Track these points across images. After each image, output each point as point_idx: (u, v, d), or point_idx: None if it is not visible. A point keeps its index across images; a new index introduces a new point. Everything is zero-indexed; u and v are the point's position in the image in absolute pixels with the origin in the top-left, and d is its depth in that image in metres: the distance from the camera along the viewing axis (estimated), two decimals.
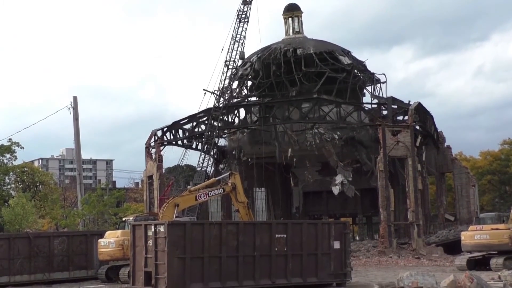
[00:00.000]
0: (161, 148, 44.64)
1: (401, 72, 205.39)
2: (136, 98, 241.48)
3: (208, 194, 26.33)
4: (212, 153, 47.46)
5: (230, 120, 46.57)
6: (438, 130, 50.02)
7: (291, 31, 50.92)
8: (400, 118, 43.46)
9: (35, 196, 48.82)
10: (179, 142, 46.40)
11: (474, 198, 48.18)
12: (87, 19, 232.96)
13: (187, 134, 45.81)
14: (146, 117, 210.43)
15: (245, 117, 47.21)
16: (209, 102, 44.64)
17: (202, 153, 44.07)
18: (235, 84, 49.54)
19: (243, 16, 44.65)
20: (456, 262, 29.67)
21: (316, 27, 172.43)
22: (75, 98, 51.52)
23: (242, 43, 44.43)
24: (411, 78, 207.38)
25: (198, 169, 43.97)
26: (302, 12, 51.65)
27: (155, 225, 19.99)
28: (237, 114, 46.99)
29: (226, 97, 44.85)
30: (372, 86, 48.84)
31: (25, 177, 51.29)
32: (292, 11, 51.16)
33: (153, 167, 44.15)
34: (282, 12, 51.68)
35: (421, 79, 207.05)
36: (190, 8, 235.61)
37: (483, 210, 53.38)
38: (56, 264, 28.33)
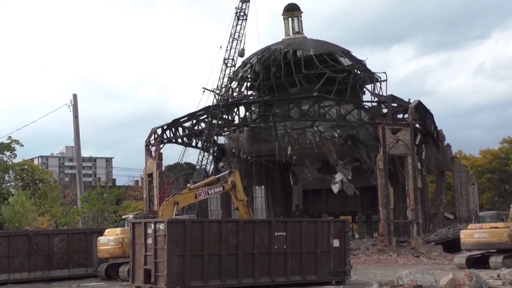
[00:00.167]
0: (161, 146, 44.63)
1: (401, 70, 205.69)
2: (136, 96, 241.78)
3: (207, 192, 26.35)
4: (211, 151, 47.47)
5: (230, 118, 46.55)
6: (438, 129, 50.01)
7: (290, 31, 50.83)
8: (400, 116, 43.43)
9: (35, 194, 48.82)
10: (179, 140, 46.38)
11: (473, 196, 48.18)
12: (87, 17, 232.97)
13: (187, 132, 45.81)
14: (146, 115, 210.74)
15: (245, 115, 47.22)
16: (208, 100, 44.72)
17: (201, 151, 44.08)
18: (234, 84, 49.59)
19: (241, 13, 44.66)
20: (455, 260, 29.67)
21: (317, 25, 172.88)
22: (75, 96, 51.56)
23: (241, 41, 44.44)
24: (411, 76, 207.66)
25: (198, 167, 43.99)
26: (302, 12, 51.52)
27: (155, 223, 20.01)
28: (237, 112, 47.00)
29: (225, 95, 44.85)
30: (372, 85, 48.88)
31: (24, 175, 51.28)
32: (292, 11, 51.04)
33: (153, 165, 44.15)
34: (281, 12, 51.60)
35: (421, 77, 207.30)
36: (190, 6, 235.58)
37: (482, 209, 53.40)
38: (55, 261, 28.36)
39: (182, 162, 49.38)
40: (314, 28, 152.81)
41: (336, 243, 22.28)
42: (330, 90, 46.33)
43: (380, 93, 47.85)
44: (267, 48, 49.19)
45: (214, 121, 44.01)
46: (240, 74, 49.32)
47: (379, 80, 48.73)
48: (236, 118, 47.15)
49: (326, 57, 46.97)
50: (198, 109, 44.77)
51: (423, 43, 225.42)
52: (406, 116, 42.29)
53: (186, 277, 19.39)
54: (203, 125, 44.85)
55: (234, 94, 49.53)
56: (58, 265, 28.40)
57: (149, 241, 19.91)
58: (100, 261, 28.06)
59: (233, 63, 44.52)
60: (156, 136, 44.85)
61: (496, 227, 28.01)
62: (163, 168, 46.48)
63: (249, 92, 51.14)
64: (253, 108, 46.77)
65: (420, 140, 43.58)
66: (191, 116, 45.25)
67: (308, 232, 21.87)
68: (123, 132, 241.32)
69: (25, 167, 52.28)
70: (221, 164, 50.54)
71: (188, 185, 33.57)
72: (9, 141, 48.49)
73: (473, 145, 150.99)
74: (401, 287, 15.64)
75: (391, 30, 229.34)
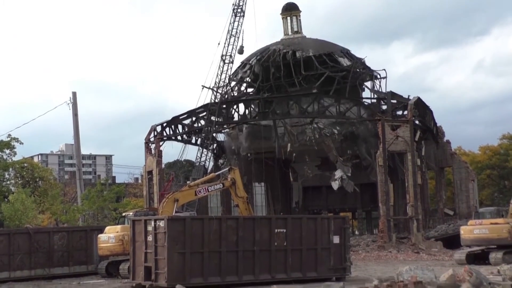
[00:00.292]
0: (161, 143, 44.64)
1: (401, 67, 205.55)
2: (136, 94, 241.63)
3: (207, 189, 26.35)
4: (211, 148, 47.50)
5: (229, 115, 46.55)
6: (438, 125, 50.04)
7: (289, 30, 50.72)
8: (400, 113, 43.47)
9: (35, 192, 48.81)
10: (179, 138, 46.41)
11: (473, 192, 48.23)
12: (86, 15, 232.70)
13: (186, 130, 45.81)
14: (146, 113, 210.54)
15: (244, 113, 47.23)
16: (207, 97, 44.74)
17: (200, 148, 44.14)
18: (233, 83, 49.61)
19: (239, 10, 44.69)
20: (455, 256, 29.71)
21: (316, 22, 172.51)
22: (74, 94, 51.49)
23: (238, 37, 44.47)
24: (411, 72, 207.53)
25: (197, 164, 44.03)
26: (301, 11, 51.37)
27: (155, 220, 20.02)
28: (237, 109, 47.01)
29: (223, 92, 44.88)
30: (371, 83, 48.83)
31: (24, 173, 51.25)
32: (290, 11, 50.87)
33: (153, 162, 44.15)
34: (280, 11, 51.43)
35: (421, 74, 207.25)
36: (189, 3, 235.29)
37: (482, 205, 53.45)
38: (56, 259, 28.38)
39: (182, 160, 49.41)
40: (313, 24, 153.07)
41: (336, 239, 22.30)
42: (329, 90, 46.34)
43: (380, 90, 47.87)
44: (266, 49, 49.10)
45: (213, 118, 44.04)
46: (239, 75, 49.36)
47: (379, 77, 48.73)
48: (236, 115, 47.18)
49: (325, 58, 46.92)
50: (197, 107, 44.79)
51: (423, 40, 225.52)
52: (405, 112, 42.32)
53: (186, 274, 19.41)
54: (203, 122, 44.87)
55: (234, 93, 49.55)
56: (58, 262, 28.41)
57: (149, 238, 19.92)
58: (100, 258, 28.06)
59: (231, 60, 44.52)
60: (155, 134, 44.85)
61: (496, 223, 28.05)
62: (163, 166, 46.49)
63: (249, 90, 51.13)
64: (252, 106, 46.77)
65: (420, 136, 43.61)
66: (190, 114, 45.25)
67: (308, 229, 21.89)
68: (122, 130, 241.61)
69: (25, 165, 52.25)
70: (220, 161, 50.58)
71: (188, 182, 33.60)
72: (8, 139, 48.42)
73: (473, 141, 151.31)
74: (401, 283, 15.65)
75: (391, 26, 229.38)
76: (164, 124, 45.17)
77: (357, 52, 50.31)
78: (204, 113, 44.57)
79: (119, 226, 27.13)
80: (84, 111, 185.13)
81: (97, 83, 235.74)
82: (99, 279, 26.75)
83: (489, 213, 29.63)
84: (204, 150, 44.20)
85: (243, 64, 49.44)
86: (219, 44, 44.56)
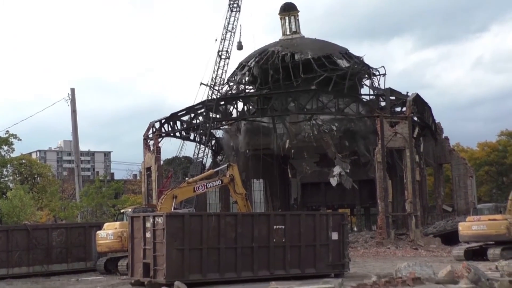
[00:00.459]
0: (159, 140, 44.62)
1: (400, 64, 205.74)
2: (135, 90, 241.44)
3: (206, 185, 26.33)
4: (210, 145, 47.47)
5: (228, 112, 46.53)
6: (436, 121, 50.05)
7: (287, 30, 50.58)
8: (398, 109, 43.46)
9: (33, 188, 48.80)
10: (177, 134, 46.38)
11: (471, 189, 48.27)
12: (85, 12, 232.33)
13: (185, 126, 45.78)
14: (144, 109, 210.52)
15: (243, 109, 47.21)
16: (204, 94, 44.77)
17: (198, 144, 44.15)
18: (232, 83, 49.55)
19: (235, 5, 44.70)
20: (454, 252, 29.76)
21: (315, 19, 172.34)
22: (72, 90, 51.50)
23: (235, 32, 44.46)
24: (410, 69, 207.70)
25: (194, 160, 44.05)
26: (299, 11, 51.18)
27: (154, 217, 19.99)
28: (235, 106, 46.98)
29: (220, 88, 44.89)
30: (370, 81, 48.78)
31: (23, 169, 51.23)
32: (289, 11, 50.68)
33: (151, 158, 44.12)
34: (278, 12, 51.21)
35: (420, 70, 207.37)
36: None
37: (480, 201, 53.55)
38: (54, 256, 28.36)
39: (181, 156, 49.42)
40: (312, 22, 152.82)
41: (334, 236, 22.30)
42: (328, 88, 46.25)
43: (379, 87, 47.84)
44: (265, 50, 48.98)
45: (210, 115, 44.03)
46: (238, 77, 49.31)
47: (378, 73, 48.70)
48: (234, 112, 47.17)
49: (324, 60, 46.82)
50: (196, 103, 44.77)
51: (422, 36, 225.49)
52: (404, 109, 42.32)
53: (185, 270, 19.41)
54: (201, 118, 44.86)
55: (232, 91, 49.51)
56: (57, 259, 28.40)
57: (148, 234, 19.90)
58: (99, 255, 28.06)
59: (228, 55, 44.52)
60: (154, 130, 44.81)
61: (494, 219, 28.11)
62: (161, 162, 46.48)
63: (248, 87, 51.08)
64: (251, 103, 46.73)
65: (418, 133, 43.62)
66: (189, 110, 45.23)
67: (306, 225, 21.89)
68: (121, 126, 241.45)
69: (23, 161, 52.24)
70: (219, 158, 50.57)
71: (186, 179, 33.60)
72: (7, 135, 48.40)
73: (471, 137, 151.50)
74: (400, 280, 15.66)
75: (390, 23, 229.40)
76: (163, 121, 45.14)
77: (357, 49, 50.76)
78: (203, 110, 44.56)
79: (117, 223, 27.13)
80: (83, 108, 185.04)
81: (96, 80, 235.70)
82: (97, 275, 26.74)
83: (487, 209, 29.68)
84: (202, 146, 44.21)
85: (242, 66, 49.40)
86: (216, 40, 44.60)
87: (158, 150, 44.17)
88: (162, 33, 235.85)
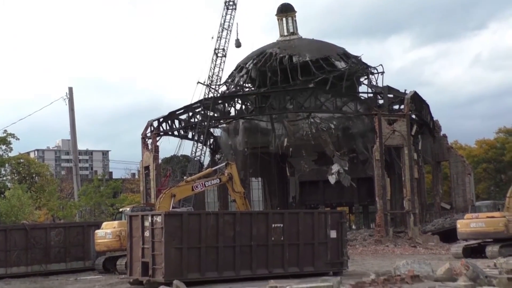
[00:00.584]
0: (157, 138, 44.55)
1: (398, 61, 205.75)
2: (134, 89, 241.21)
3: (204, 184, 26.29)
4: (208, 143, 47.45)
5: (226, 110, 46.51)
6: (434, 119, 50.07)
7: (285, 31, 50.47)
8: (396, 107, 43.47)
9: (31, 188, 48.73)
10: (175, 133, 46.35)
11: (469, 186, 48.30)
12: (84, 11, 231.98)
13: (183, 125, 45.75)
14: (143, 108, 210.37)
15: (241, 107, 47.20)
16: (201, 92, 44.87)
17: (195, 143, 44.16)
18: (230, 85, 49.54)
19: (230, 3, 44.70)
20: (452, 250, 29.78)
21: (313, 17, 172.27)
22: (70, 89, 51.41)
23: (231, 30, 44.54)
24: (409, 67, 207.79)
25: (192, 158, 44.06)
26: (296, 12, 51.00)
27: (152, 216, 19.98)
28: (233, 105, 46.96)
29: (216, 87, 44.94)
30: (368, 80, 48.74)
31: (21, 169, 51.14)
32: (286, 12, 50.54)
33: (150, 157, 44.07)
34: (275, 13, 51.06)
35: (418, 68, 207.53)
36: None
37: (478, 199, 53.53)
38: (53, 255, 28.35)
39: (179, 155, 49.39)
40: (310, 20, 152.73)
41: (333, 234, 22.30)
42: (325, 88, 46.20)
43: (377, 85, 47.82)
44: (263, 51, 48.94)
45: (209, 113, 44.02)
46: (236, 79, 49.29)
47: (377, 72, 48.69)
48: (232, 110, 47.14)
49: (322, 63, 46.77)
50: (194, 102, 44.76)
51: (420, 34, 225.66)
52: (402, 107, 42.32)
53: (184, 269, 19.41)
54: (199, 117, 44.84)
55: (230, 89, 49.51)
56: (55, 258, 28.39)
57: (147, 233, 19.90)
58: (97, 254, 28.06)
59: (224, 53, 44.49)
60: (152, 129, 44.76)
61: (492, 217, 28.12)
62: (160, 161, 46.45)
63: (246, 85, 51.07)
64: (249, 102, 46.70)
65: (416, 130, 43.64)
66: (187, 109, 45.19)
67: (305, 224, 21.89)
68: (120, 125, 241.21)
69: (21, 160, 52.15)
70: (217, 156, 50.54)
71: (184, 177, 33.58)
72: (4, 134, 48.31)
73: (469, 135, 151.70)
74: (398, 277, 15.66)
75: (389, 21, 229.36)
76: (161, 120, 45.09)
77: (354, 48, 50.83)
78: (201, 108, 44.56)
79: (116, 222, 27.11)
80: (82, 107, 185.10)
81: (94, 79, 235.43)
82: (96, 275, 26.73)
83: (485, 206, 29.70)
84: (200, 144, 44.22)
85: (240, 67, 49.40)
86: (212, 38, 44.65)
87: (156, 149, 44.12)
88: (161, 31, 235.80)
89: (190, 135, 46.69)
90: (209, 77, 44.35)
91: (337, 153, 45.58)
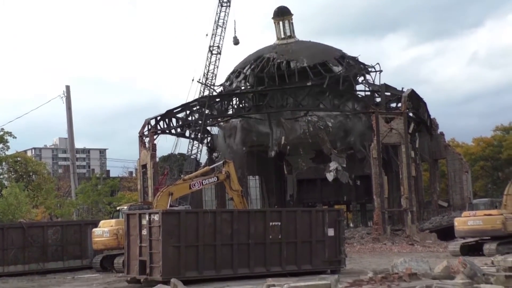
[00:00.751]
0: (155, 137, 44.48)
1: (396, 60, 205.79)
2: (131, 87, 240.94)
3: (202, 182, 26.28)
4: (205, 142, 47.39)
5: (223, 108, 46.47)
6: (432, 117, 50.10)
7: (282, 34, 50.34)
8: (394, 105, 43.47)
9: (29, 186, 48.64)
10: (173, 131, 46.29)
11: (467, 184, 48.35)
12: (81, 10, 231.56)
13: (180, 123, 45.70)
14: (141, 106, 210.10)
15: (238, 106, 47.15)
16: (197, 90, 44.89)
17: (191, 141, 44.15)
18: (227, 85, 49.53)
19: (225, 0, 44.65)
20: (450, 248, 29.81)
21: (311, 15, 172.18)
22: (67, 87, 51.29)
23: (225, 28, 44.53)
24: (406, 65, 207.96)
25: (188, 156, 44.05)
26: (293, 15, 50.81)
27: (150, 214, 19.95)
28: (231, 103, 46.93)
29: (212, 84, 44.95)
30: (365, 79, 48.71)
31: (18, 167, 51.04)
32: (282, 16, 50.35)
33: (147, 156, 44.01)
34: (272, 16, 50.82)
35: (416, 66, 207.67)
36: None
37: (476, 196, 53.60)
38: (50, 254, 28.30)
39: (176, 153, 49.37)
40: (308, 18, 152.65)
41: (330, 232, 22.30)
42: (323, 88, 46.18)
43: (374, 83, 47.82)
44: (260, 56, 48.86)
45: (206, 111, 44.00)
46: (234, 84, 49.24)
47: (374, 70, 48.67)
48: (230, 109, 47.07)
49: (320, 68, 46.71)
50: (191, 100, 44.70)
51: (417, 32, 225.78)
52: (399, 105, 42.33)
53: (181, 267, 19.38)
54: (197, 115, 44.81)
55: (229, 87, 49.49)
56: (52, 257, 28.34)
57: (144, 232, 19.86)
58: (95, 252, 28.03)
59: (219, 51, 44.45)
60: (149, 127, 44.68)
61: (490, 214, 28.13)
62: (157, 159, 46.40)
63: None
64: (247, 99, 46.65)
65: (414, 128, 43.66)
66: (184, 107, 45.13)
67: (302, 222, 21.89)
68: (117, 124, 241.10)
69: (18, 159, 52.05)
70: (215, 154, 50.50)
71: (182, 176, 33.54)
72: (1, 133, 48.18)
73: (467, 133, 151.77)
74: (396, 275, 15.64)
75: (386, 17, 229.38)
76: (158, 118, 45.02)
77: (352, 46, 50.69)
78: (198, 107, 44.51)
79: (113, 220, 27.08)
80: (79, 105, 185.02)
81: (91, 77, 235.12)
82: (93, 273, 26.70)
83: (483, 204, 29.71)
84: (196, 142, 44.20)
85: (237, 72, 49.36)
86: (206, 35, 44.63)
87: (153, 147, 44.04)
88: (160, 30, 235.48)
89: (187, 133, 46.65)
90: (204, 75, 44.35)
91: (334, 151, 45.60)
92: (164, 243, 19.13)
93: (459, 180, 48.08)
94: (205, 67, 44.32)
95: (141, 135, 44.97)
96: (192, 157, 43.81)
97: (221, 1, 44.70)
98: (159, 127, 44.92)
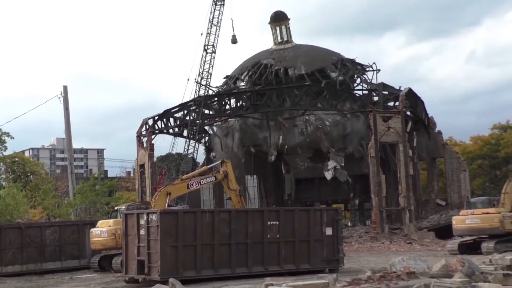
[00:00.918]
0: (153, 136, 44.47)
1: (393, 58, 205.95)
2: (129, 87, 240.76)
3: (200, 182, 26.27)
4: (203, 141, 47.36)
5: (221, 108, 46.45)
6: (429, 116, 50.13)
7: (279, 39, 50.22)
8: (391, 104, 43.47)
9: (26, 186, 48.60)
10: (170, 131, 46.26)
11: (465, 182, 48.39)
12: (78, 9, 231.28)
13: (178, 123, 45.68)
14: (139, 106, 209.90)
15: (236, 105, 47.14)
16: (193, 89, 44.89)
17: (188, 140, 44.15)
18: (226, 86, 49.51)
19: None
20: (448, 246, 29.81)
21: (308, 14, 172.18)
22: (65, 88, 51.26)
23: (220, 26, 44.54)
24: (403, 63, 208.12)
25: (185, 155, 44.03)
26: (289, 19, 50.60)
27: (148, 214, 19.95)
28: (228, 102, 46.90)
29: (208, 83, 44.96)
30: (362, 79, 48.69)
31: (15, 167, 51.02)
32: (279, 21, 50.13)
33: (145, 155, 43.98)
34: (268, 21, 50.63)
35: (413, 65, 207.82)
36: None
37: (474, 195, 53.69)
38: (48, 254, 28.27)
39: (174, 153, 49.34)
40: (306, 18, 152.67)
41: (329, 231, 22.31)
42: (321, 88, 46.14)
43: (371, 82, 47.82)
44: (257, 62, 48.77)
45: (202, 110, 44.02)
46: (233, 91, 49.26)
47: (372, 70, 48.67)
48: (228, 109, 47.03)
49: (317, 75, 46.65)
50: (189, 100, 44.68)
51: (415, 31, 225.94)
52: (397, 103, 42.34)
53: (179, 267, 19.39)
54: (194, 115, 44.78)
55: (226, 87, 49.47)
56: (50, 257, 28.31)
57: (142, 232, 19.86)
58: (93, 252, 27.99)
59: (214, 49, 44.44)
60: (147, 127, 44.67)
61: (488, 213, 28.16)
62: (155, 159, 46.38)
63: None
64: (244, 97, 46.62)
65: (411, 127, 43.68)
66: (182, 107, 45.11)
67: (300, 221, 21.90)
68: (115, 123, 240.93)
69: (16, 159, 52.05)
70: (213, 154, 50.48)
71: (180, 175, 33.52)
72: None
73: (464, 131, 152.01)
74: (394, 274, 15.64)
75: (384, 16, 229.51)
76: (156, 118, 44.99)
77: (351, 44, 50.43)
78: (195, 106, 44.50)
79: (111, 220, 27.04)
80: (77, 105, 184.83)
81: (89, 77, 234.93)
82: (91, 273, 26.68)
83: (480, 203, 29.73)
84: (192, 142, 44.21)
85: (235, 78, 49.31)
86: (201, 34, 44.63)
87: (151, 147, 44.03)
88: (159, 30, 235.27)
89: (185, 133, 46.62)
90: (199, 74, 44.37)
91: (332, 150, 45.61)
92: (162, 242, 19.13)
93: (457, 178, 48.12)
94: (200, 66, 44.35)
95: (139, 135, 44.93)
96: (188, 156, 43.80)
97: (215, 0, 44.69)
98: (157, 127, 44.91)
